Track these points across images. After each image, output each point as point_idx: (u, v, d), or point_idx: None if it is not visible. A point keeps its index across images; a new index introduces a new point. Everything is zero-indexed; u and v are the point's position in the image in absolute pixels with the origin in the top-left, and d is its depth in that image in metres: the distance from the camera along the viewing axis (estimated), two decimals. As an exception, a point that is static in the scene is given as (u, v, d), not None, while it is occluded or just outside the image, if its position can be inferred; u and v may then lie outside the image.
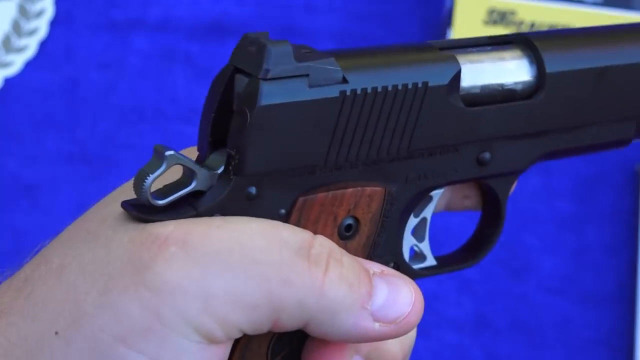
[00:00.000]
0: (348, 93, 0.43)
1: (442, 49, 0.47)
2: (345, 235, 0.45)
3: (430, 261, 0.50)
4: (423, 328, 0.83)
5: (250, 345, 0.43)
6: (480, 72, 0.48)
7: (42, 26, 0.85)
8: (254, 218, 0.42)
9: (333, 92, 0.43)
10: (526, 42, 0.49)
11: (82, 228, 0.42)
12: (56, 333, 0.39)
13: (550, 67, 0.48)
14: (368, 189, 0.45)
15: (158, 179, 0.41)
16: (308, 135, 0.43)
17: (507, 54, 0.49)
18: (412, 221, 0.49)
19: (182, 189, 0.41)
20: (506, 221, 0.83)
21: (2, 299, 0.41)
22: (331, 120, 0.43)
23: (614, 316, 0.82)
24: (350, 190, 0.44)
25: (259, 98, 0.41)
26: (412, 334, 0.46)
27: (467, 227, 0.83)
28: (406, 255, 0.48)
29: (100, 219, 0.42)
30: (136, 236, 0.40)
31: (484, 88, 0.48)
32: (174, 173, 0.42)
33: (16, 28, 0.85)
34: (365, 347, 0.44)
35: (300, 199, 0.43)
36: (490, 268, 0.82)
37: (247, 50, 0.42)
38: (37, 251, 0.42)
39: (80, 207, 0.45)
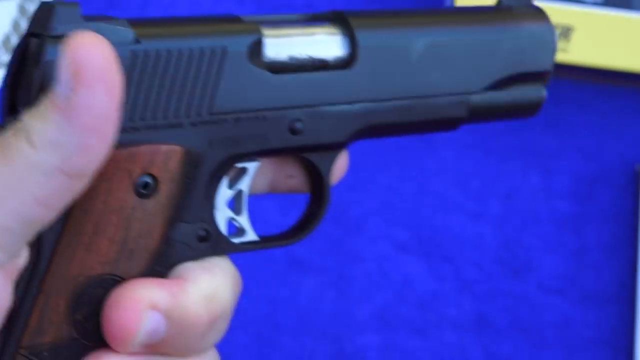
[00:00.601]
0: (139, 53, 0.45)
1: (252, 22, 0.48)
2: (142, 193, 0.45)
3: (252, 236, 0.50)
4: (423, 328, 0.83)
5: (49, 302, 0.43)
6: (289, 44, 0.49)
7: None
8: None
9: (123, 51, 0.44)
10: (341, 18, 0.51)
11: None
12: None
13: (362, 41, 0.50)
14: (164, 147, 0.45)
15: None
16: None
17: (319, 28, 0.50)
18: (227, 192, 0.49)
19: None
20: (506, 221, 0.83)
21: None
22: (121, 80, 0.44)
23: (614, 316, 0.82)
24: (144, 147, 0.45)
25: (43, 55, 0.42)
26: (224, 301, 0.45)
27: (467, 228, 0.83)
28: (223, 227, 0.49)
29: None
30: None
31: (292, 58, 0.49)
32: None
33: (16, 28, 0.85)
34: (164, 301, 0.44)
35: None
36: (490, 268, 0.82)
37: (40, 15, 0.44)
38: None
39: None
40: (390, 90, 0.51)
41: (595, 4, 0.78)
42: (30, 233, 0.41)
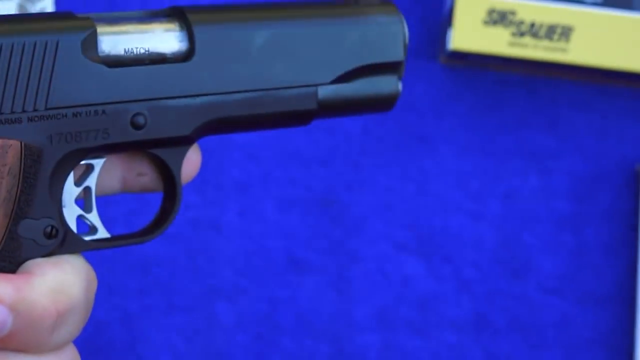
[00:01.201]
0: None
1: (85, 18, 0.49)
2: None
3: (103, 234, 0.50)
4: (423, 328, 0.83)
5: None
6: (124, 39, 0.49)
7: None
8: None
9: None
10: (179, 13, 0.51)
11: None
12: None
13: (199, 33, 0.50)
14: (0, 142, 0.45)
15: None
16: None
17: (156, 24, 0.51)
18: (74, 190, 0.49)
19: None
20: (505, 221, 0.83)
21: None
22: None
23: (613, 316, 0.82)
24: None
25: None
26: (74, 295, 0.46)
27: (467, 228, 0.83)
28: (73, 224, 0.49)
29: None
30: None
31: (128, 52, 0.49)
32: None
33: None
34: (8, 295, 0.44)
35: None
36: (490, 268, 0.82)
37: None
38: None
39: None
40: (233, 83, 0.51)
41: (595, 4, 0.78)
42: None
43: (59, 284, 0.46)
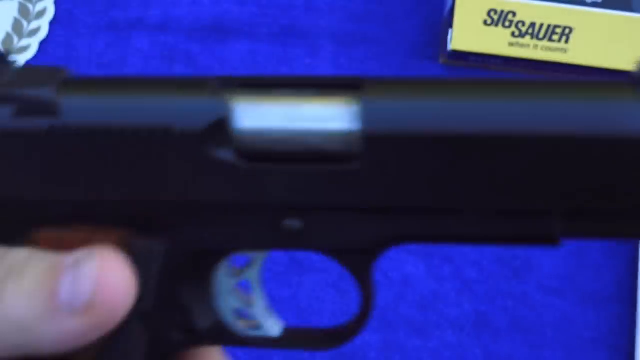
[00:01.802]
0: (58, 127, 0.38)
1: (221, 88, 0.38)
2: None
3: (268, 331, 0.43)
4: (423, 328, 0.83)
5: None
6: (274, 117, 0.38)
7: (42, 26, 0.85)
8: None
9: (41, 124, 0.38)
10: (357, 88, 0.38)
11: None
12: None
13: (371, 126, 0.37)
14: (98, 236, 0.39)
15: None
16: (20, 167, 0.39)
17: (325, 97, 0.38)
18: (228, 282, 0.43)
19: None
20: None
21: None
22: (40, 155, 0.39)
23: (613, 316, 0.82)
24: (80, 234, 0.40)
25: None
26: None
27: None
28: (229, 317, 0.43)
29: None
30: None
31: (276, 141, 0.38)
32: None
33: (17, 28, 0.85)
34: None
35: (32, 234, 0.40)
36: (490, 268, 0.82)
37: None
38: None
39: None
40: (414, 197, 0.38)
41: (595, 4, 0.78)
42: None
43: None
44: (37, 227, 0.40)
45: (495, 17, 0.79)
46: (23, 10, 0.85)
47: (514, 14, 0.79)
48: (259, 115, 0.38)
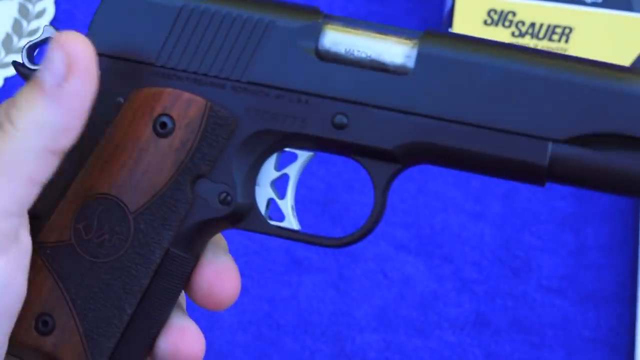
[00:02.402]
0: (189, 6, 0.49)
1: (318, 12, 0.49)
2: (158, 132, 0.49)
3: (289, 224, 0.51)
4: (423, 328, 0.83)
5: (64, 208, 0.49)
6: (350, 39, 0.49)
7: (42, 26, 0.85)
8: None
9: (177, 3, 0.49)
10: (424, 34, 0.49)
11: None
12: None
13: (425, 51, 0.48)
14: (186, 94, 0.49)
15: None
16: (148, 33, 0.49)
17: (392, 36, 0.49)
18: (272, 173, 0.51)
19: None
20: (506, 221, 0.83)
21: None
22: (167, 26, 0.49)
23: (614, 316, 0.82)
24: (169, 89, 0.49)
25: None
26: None
27: (467, 228, 0.83)
28: (262, 205, 0.51)
29: None
30: None
31: (348, 52, 0.49)
32: None
33: (17, 28, 0.85)
34: None
35: (133, 91, 0.49)
36: (490, 268, 0.82)
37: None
38: None
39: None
40: (450, 110, 0.48)
41: (595, 4, 0.78)
42: (24, 213, 0.46)
43: None
44: (136, 89, 0.49)
45: (495, 17, 0.79)
46: (23, 11, 0.85)
47: (514, 14, 0.79)
48: (338, 37, 0.49)
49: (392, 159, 0.49)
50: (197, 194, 0.49)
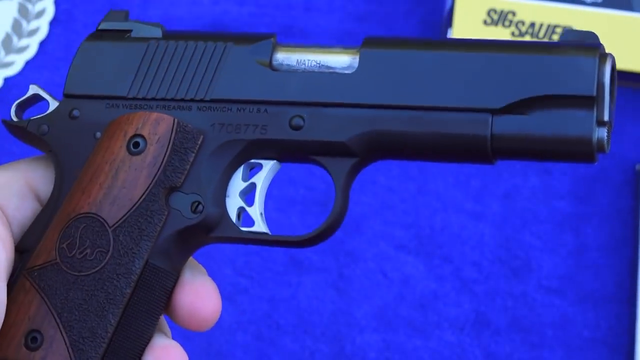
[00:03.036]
0: (161, 44, 0.54)
1: (271, 36, 0.54)
2: (132, 151, 0.53)
3: (258, 228, 0.54)
4: (423, 328, 0.83)
5: (49, 233, 0.53)
6: (300, 53, 0.54)
7: (42, 26, 0.85)
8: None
9: (142, 44, 0.54)
10: (366, 41, 0.53)
11: None
12: None
13: (367, 48, 0.52)
14: (155, 114, 0.53)
15: None
16: (119, 72, 0.54)
17: (338, 48, 0.54)
18: (240, 184, 0.54)
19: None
20: (506, 220, 0.83)
21: None
22: (136, 63, 0.54)
23: (613, 316, 0.82)
24: (140, 112, 0.53)
25: (84, 40, 0.55)
26: None
27: (467, 228, 0.83)
28: (233, 214, 0.54)
29: None
30: None
31: (299, 62, 0.53)
32: None
33: (16, 28, 0.85)
34: None
35: (108, 124, 0.53)
36: (490, 268, 0.82)
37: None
38: None
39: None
40: (395, 97, 0.52)
41: (595, 4, 0.78)
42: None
43: None
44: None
45: (495, 17, 0.79)
46: (23, 10, 0.85)
47: (514, 14, 0.79)
48: (289, 52, 0.54)
49: (348, 153, 0.52)
50: (171, 207, 0.52)
